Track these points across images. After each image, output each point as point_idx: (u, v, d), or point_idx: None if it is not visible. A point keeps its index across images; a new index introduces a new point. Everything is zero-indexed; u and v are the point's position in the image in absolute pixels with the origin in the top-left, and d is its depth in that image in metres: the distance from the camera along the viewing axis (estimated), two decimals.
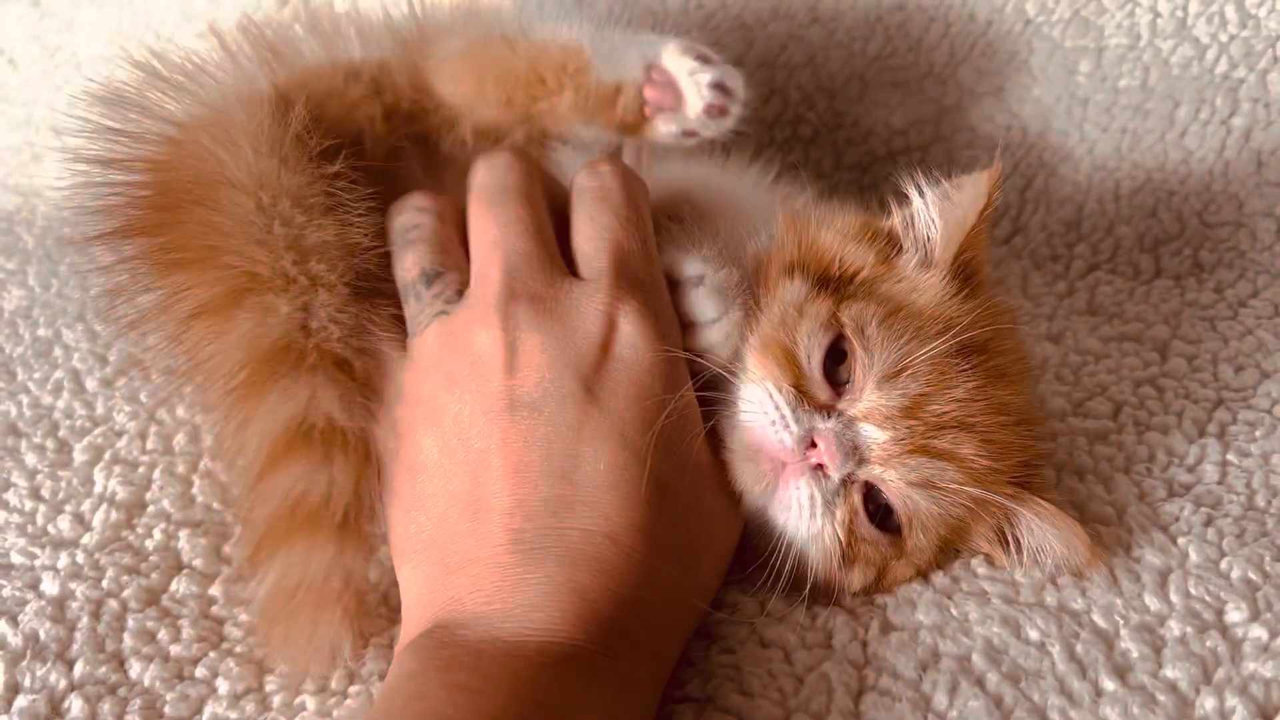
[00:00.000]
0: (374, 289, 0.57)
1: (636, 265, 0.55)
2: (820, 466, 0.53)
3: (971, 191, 0.58)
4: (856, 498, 0.54)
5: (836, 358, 0.55)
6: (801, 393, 0.54)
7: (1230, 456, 0.64)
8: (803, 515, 0.54)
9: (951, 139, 0.95)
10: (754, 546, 0.56)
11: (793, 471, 0.54)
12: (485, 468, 0.51)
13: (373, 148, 0.63)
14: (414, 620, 0.51)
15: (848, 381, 0.54)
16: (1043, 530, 0.55)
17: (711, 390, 0.55)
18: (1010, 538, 0.56)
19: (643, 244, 0.56)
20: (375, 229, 0.58)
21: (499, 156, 0.59)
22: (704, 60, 0.62)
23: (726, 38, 0.97)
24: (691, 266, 0.56)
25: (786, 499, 0.54)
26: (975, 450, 0.54)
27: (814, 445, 0.53)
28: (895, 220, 0.60)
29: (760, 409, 0.54)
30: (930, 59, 0.95)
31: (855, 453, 0.53)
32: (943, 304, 0.57)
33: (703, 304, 0.56)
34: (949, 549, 0.57)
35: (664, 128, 0.62)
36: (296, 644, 0.53)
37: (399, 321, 0.57)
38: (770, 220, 0.62)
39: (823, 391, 0.54)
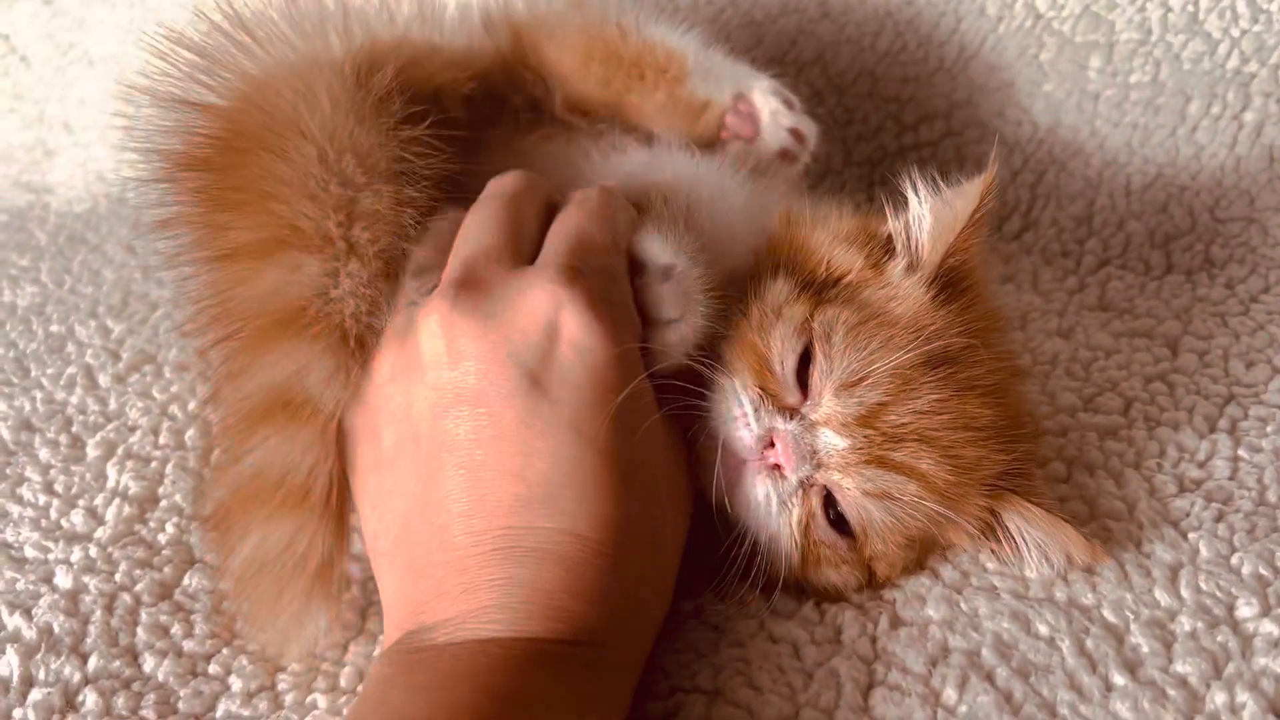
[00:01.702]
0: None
1: (594, 257, 0.52)
2: (777, 467, 0.53)
3: (967, 195, 0.57)
4: (815, 500, 0.54)
5: (808, 362, 0.54)
6: (769, 395, 0.54)
7: (1241, 452, 0.64)
8: (759, 512, 0.54)
9: (962, 134, 0.95)
10: (725, 541, 0.56)
11: (752, 469, 0.54)
12: (439, 466, 0.49)
13: (451, 108, 0.64)
14: (393, 622, 0.50)
15: None
16: (1032, 534, 0.54)
17: (688, 380, 0.55)
18: (1004, 539, 0.56)
19: (609, 242, 0.54)
20: (429, 207, 0.56)
21: (510, 173, 0.59)
22: (789, 105, 0.69)
23: (736, 34, 0.97)
24: (661, 255, 0.54)
25: (745, 496, 0.54)
26: (936, 465, 0.53)
27: (772, 445, 0.53)
28: (891, 225, 0.60)
29: (728, 405, 0.54)
30: (940, 54, 0.95)
31: (813, 456, 0.53)
32: (917, 313, 0.56)
33: (664, 301, 0.54)
34: (925, 550, 0.57)
35: (735, 154, 0.68)
36: (260, 616, 0.53)
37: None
38: (766, 217, 0.62)
39: (792, 395, 0.54)
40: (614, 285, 0.52)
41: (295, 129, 0.56)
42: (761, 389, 0.54)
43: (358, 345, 0.53)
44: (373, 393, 0.52)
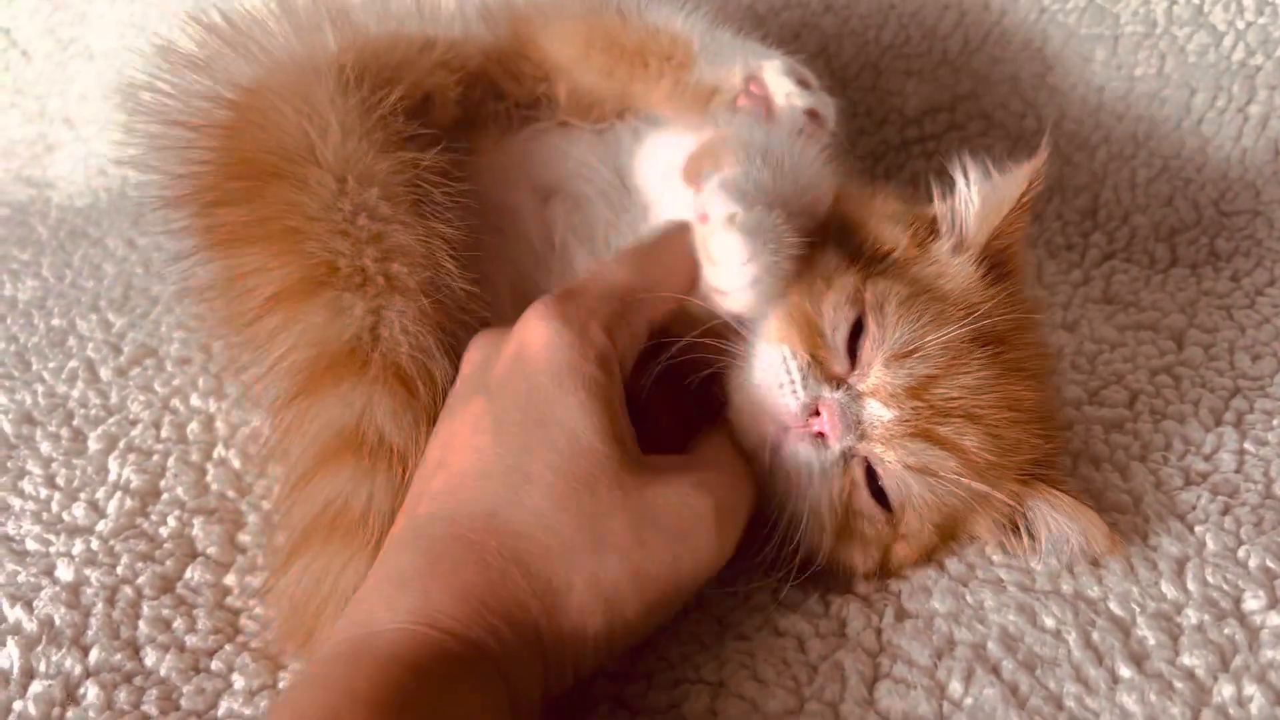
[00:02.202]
0: (455, 303, 0.56)
1: (589, 294, 0.52)
2: (821, 435, 0.53)
3: (1015, 179, 0.58)
4: (858, 471, 0.54)
5: (859, 333, 0.54)
6: (818, 362, 0.53)
7: (1247, 445, 0.63)
8: (799, 479, 0.53)
9: (966, 127, 0.95)
10: (758, 515, 0.55)
11: (794, 437, 0.53)
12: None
13: (440, 115, 0.63)
14: None
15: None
16: (1058, 521, 0.54)
17: (719, 339, 0.55)
18: (1024, 529, 0.56)
19: (621, 284, 0.53)
20: (456, 239, 0.56)
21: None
22: (804, 85, 0.63)
23: (739, 26, 0.97)
24: (724, 205, 0.53)
25: (786, 463, 0.54)
26: (979, 443, 0.53)
27: (818, 413, 0.53)
28: (936, 207, 0.60)
29: (772, 371, 0.53)
30: (944, 47, 0.94)
31: (857, 426, 0.53)
32: (968, 290, 0.56)
33: (731, 245, 0.52)
34: (948, 536, 0.57)
35: None
36: (306, 653, 0.53)
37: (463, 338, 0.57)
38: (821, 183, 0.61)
39: (840, 364, 0.54)
40: (600, 318, 0.51)
41: (310, 158, 0.55)
42: (811, 355, 0.53)
43: (420, 383, 0.55)
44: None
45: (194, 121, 0.58)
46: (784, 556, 0.54)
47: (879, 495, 0.54)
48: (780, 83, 0.63)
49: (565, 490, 0.47)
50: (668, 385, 0.55)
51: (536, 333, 0.50)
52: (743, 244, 0.51)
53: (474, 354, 0.54)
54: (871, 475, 0.54)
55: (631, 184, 0.66)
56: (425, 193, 0.56)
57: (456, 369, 0.55)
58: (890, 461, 0.53)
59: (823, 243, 0.57)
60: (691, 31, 0.65)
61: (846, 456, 0.53)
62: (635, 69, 0.64)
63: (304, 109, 0.56)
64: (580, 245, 0.65)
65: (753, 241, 0.52)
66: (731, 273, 0.52)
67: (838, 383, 0.53)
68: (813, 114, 0.63)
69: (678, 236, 0.55)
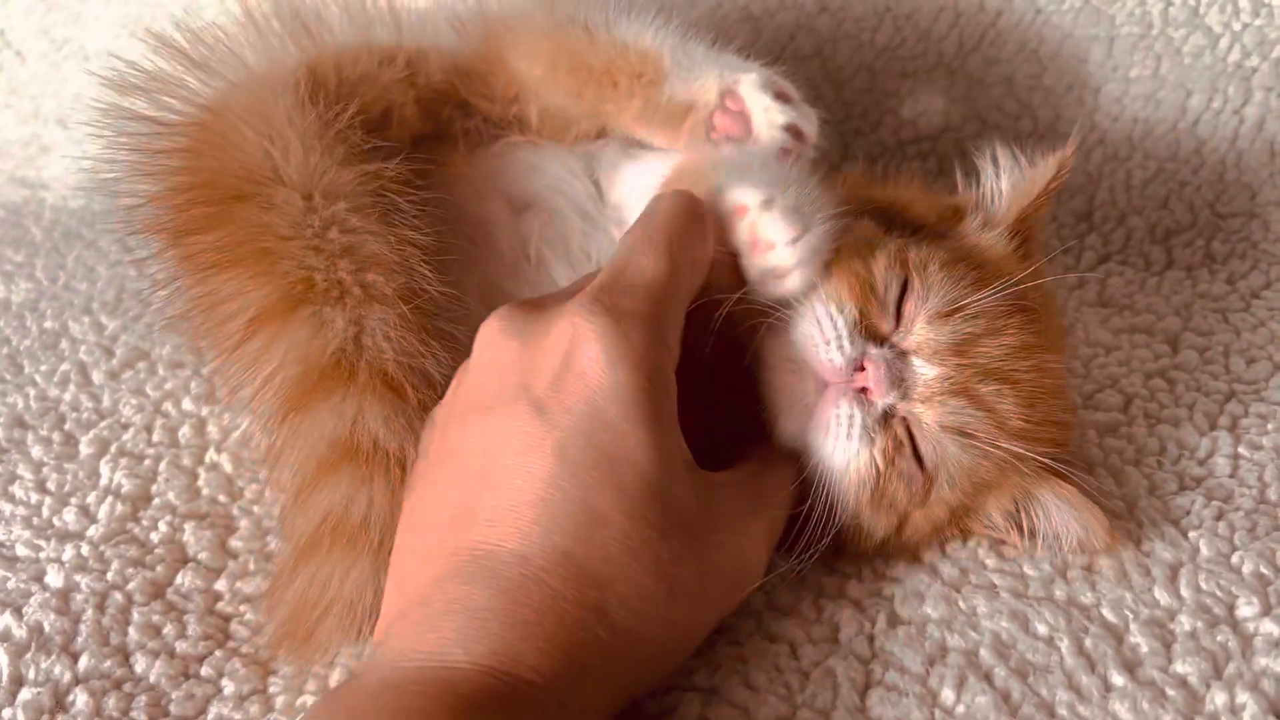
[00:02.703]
0: (434, 307, 0.56)
1: (628, 290, 0.49)
2: (865, 390, 0.53)
3: (1044, 167, 0.61)
4: (900, 430, 0.54)
5: (905, 293, 0.55)
6: (865, 320, 0.54)
7: (1242, 450, 0.63)
8: (841, 436, 0.53)
9: (960, 129, 0.95)
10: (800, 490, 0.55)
11: (836, 393, 0.53)
12: (442, 475, 0.49)
13: (398, 132, 0.62)
14: (376, 635, 0.50)
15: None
16: (1062, 513, 0.55)
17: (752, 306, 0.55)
18: (1024, 525, 0.56)
19: (660, 271, 0.50)
20: (428, 245, 0.56)
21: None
22: (783, 99, 0.60)
23: (734, 28, 0.97)
24: (753, 194, 0.53)
25: (826, 419, 0.53)
26: (1014, 407, 0.54)
27: (861, 369, 0.53)
28: (962, 193, 0.62)
29: (818, 327, 0.53)
30: (939, 49, 0.94)
31: (901, 383, 0.53)
32: (1004, 259, 0.59)
33: (776, 224, 0.52)
34: (965, 515, 0.57)
35: None
36: (304, 655, 0.53)
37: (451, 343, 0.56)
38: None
39: (887, 322, 0.55)
40: (650, 327, 0.49)
41: (275, 177, 0.55)
42: (860, 312, 0.54)
43: (410, 389, 0.54)
44: (443, 404, 0.53)
45: (155, 146, 0.58)
46: (815, 535, 0.54)
47: (917, 459, 0.55)
48: (758, 98, 0.60)
49: (639, 537, 0.45)
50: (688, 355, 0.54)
51: (589, 342, 0.47)
52: (792, 221, 0.52)
53: (501, 338, 0.50)
54: (910, 438, 0.54)
55: (611, 201, 0.65)
56: (392, 203, 0.56)
57: (446, 364, 0.55)
58: (928, 422, 0.54)
59: (855, 216, 0.58)
60: (662, 46, 0.61)
61: (887, 416, 0.54)
62: (604, 89, 0.61)
63: (263, 129, 0.56)
64: (557, 258, 0.64)
65: (800, 216, 0.52)
66: (787, 251, 0.52)
67: (881, 340, 0.54)
68: (793, 129, 0.59)
69: (684, 210, 0.53)
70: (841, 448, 0.53)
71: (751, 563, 0.51)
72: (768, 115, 0.59)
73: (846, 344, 0.53)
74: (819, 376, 0.54)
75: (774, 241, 0.53)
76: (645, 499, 0.46)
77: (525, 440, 0.46)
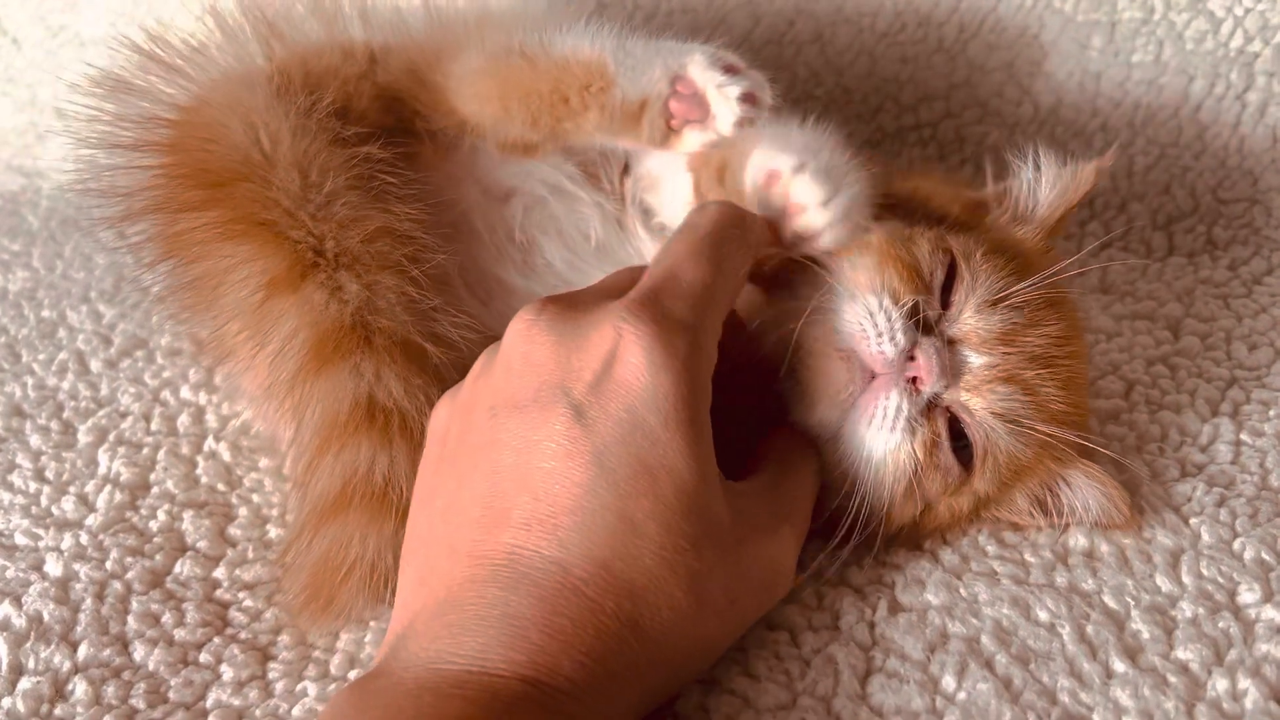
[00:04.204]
0: (439, 273, 0.58)
1: (675, 298, 0.49)
2: (914, 380, 0.53)
3: (1084, 173, 0.62)
4: (941, 423, 0.54)
5: (951, 279, 0.56)
6: (912, 307, 0.54)
7: (1244, 436, 0.63)
8: (884, 427, 0.53)
9: (961, 115, 0.94)
10: (825, 484, 0.55)
11: (882, 383, 0.53)
12: (473, 466, 0.48)
13: (357, 121, 0.62)
14: (391, 630, 0.48)
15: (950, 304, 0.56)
16: (1088, 490, 0.56)
17: (785, 290, 0.56)
18: (1049, 505, 0.57)
19: (703, 280, 0.50)
20: (426, 221, 0.58)
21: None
22: (731, 71, 0.60)
23: (733, 14, 0.96)
24: (784, 160, 0.54)
25: (871, 409, 0.53)
26: (1055, 391, 0.55)
27: (912, 359, 0.53)
28: (990, 188, 0.63)
29: (868, 317, 0.53)
30: (940, 34, 0.93)
31: (950, 371, 0.53)
32: (1035, 253, 0.60)
33: (807, 187, 0.53)
34: (986, 505, 0.57)
35: (695, 140, 0.61)
36: (324, 620, 0.55)
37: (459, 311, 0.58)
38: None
39: (934, 310, 0.55)
40: (694, 337, 0.48)
41: (268, 159, 0.57)
42: (910, 299, 0.54)
43: (429, 351, 0.56)
44: (464, 389, 0.52)
45: (135, 142, 0.60)
46: (847, 527, 0.54)
47: (958, 450, 0.55)
48: (708, 76, 0.59)
49: (674, 550, 0.45)
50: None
51: (634, 348, 0.46)
52: (823, 180, 0.53)
53: (537, 332, 0.49)
54: (952, 428, 0.54)
55: (637, 173, 0.66)
56: (382, 182, 0.58)
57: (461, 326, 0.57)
58: (977, 409, 0.54)
59: (879, 214, 0.58)
60: (602, 51, 0.61)
61: (931, 406, 0.54)
62: (557, 109, 0.61)
63: (249, 118, 0.57)
64: (549, 239, 0.64)
65: (831, 178, 0.54)
66: (818, 213, 0.54)
67: (928, 329, 0.54)
68: (749, 97, 0.59)
69: (729, 220, 0.53)
70: (883, 439, 0.53)
71: (781, 570, 0.51)
72: (722, 91, 0.59)
73: (900, 335, 0.53)
74: (866, 367, 0.53)
75: (805, 204, 0.54)
76: (681, 511, 0.45)
77: (562, 444, 0.46)
